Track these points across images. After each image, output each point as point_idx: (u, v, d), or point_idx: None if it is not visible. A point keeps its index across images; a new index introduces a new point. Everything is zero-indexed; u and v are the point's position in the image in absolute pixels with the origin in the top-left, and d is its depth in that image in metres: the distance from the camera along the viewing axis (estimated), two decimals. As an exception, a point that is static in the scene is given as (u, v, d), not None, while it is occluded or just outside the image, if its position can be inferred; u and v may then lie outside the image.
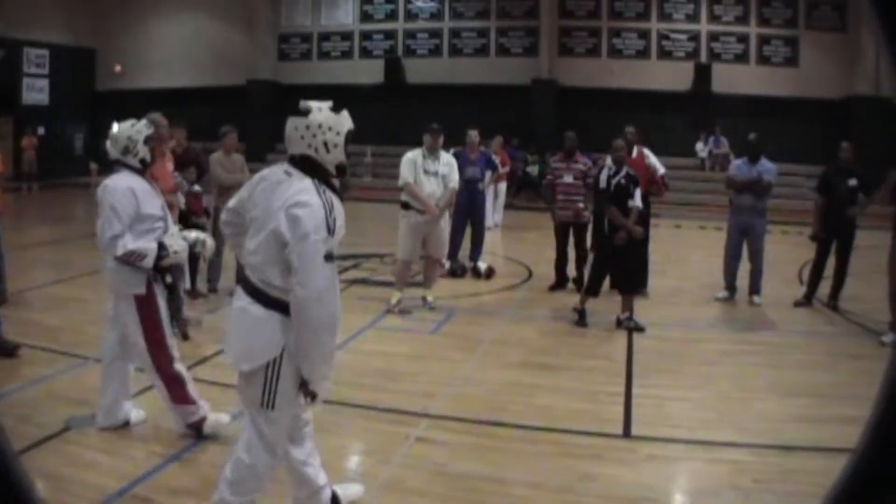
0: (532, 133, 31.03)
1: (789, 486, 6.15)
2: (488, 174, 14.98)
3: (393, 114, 31.70)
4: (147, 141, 6.61)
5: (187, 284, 10.94)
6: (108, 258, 6.47)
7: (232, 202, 5.11)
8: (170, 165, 9.77)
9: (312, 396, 4.61)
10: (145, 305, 6.50)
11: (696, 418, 7.44)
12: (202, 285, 11.85)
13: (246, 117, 27.91)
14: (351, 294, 12.36)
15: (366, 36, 35.09)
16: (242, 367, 4.59)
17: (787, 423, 7.39)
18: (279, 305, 4.47)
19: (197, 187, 11.53)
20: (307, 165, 4.67)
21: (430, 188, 11.19)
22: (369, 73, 34.10)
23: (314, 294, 4.26)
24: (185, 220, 11.03)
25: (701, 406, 7.80)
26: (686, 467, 6.56)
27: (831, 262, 12.47)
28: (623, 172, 11.03)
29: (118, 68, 36.54)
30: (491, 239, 15.15)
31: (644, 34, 32.78)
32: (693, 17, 32.67)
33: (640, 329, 10.71)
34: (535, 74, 32.50)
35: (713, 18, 32.58)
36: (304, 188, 4.48)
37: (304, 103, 4.78)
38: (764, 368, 9.05)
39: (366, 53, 35.10)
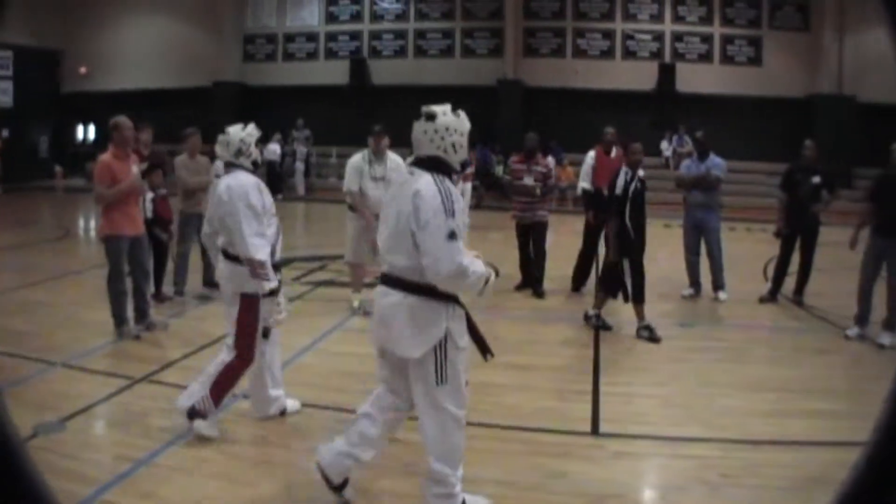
0: (498, 134, 31.08)
1: (757, 479, 6.22)
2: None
3: (358, 115, 31.59)
4: (257, 143, 7.08)
5: (152, 288, 10.93)
6: (221, 260, 6.84)
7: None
8: (134, 168, 9.70)
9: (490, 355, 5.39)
10: (250, 306, 6.80)
11: (664, 415, 7.51)
12: (168, 289, 11.81)
13: (212, 119, 27.76)
14: (317, 296, 12.40)
15: (331, 37, 35.01)
16: (413, 354, 5.07)
17: (753, 418, 7.49)
18: (435, 293, 5.02)
19: (163, 190, 11.49)
20: (433, 164, 5.13)
21: (376, 194, 11.03)
22: (335, 74, 34.03)
23: (443, 272, 4.85)
24: (150, 227, 10.99)
25: (668, 402, 7.88)
26: (654, 463, 6.62)
27: (796, 259, 12.60)
28: (640, 176, 10.80)
29: (83, 70, 36.21)
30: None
31: (608, 34, 32.95)
32: (657, 18, 32.88)
33: (607, 328, 10.77)
34: (500, 75, 32.60)
35: (677, 19, 32.81)
36: (424, 183, 4.99)
37: (428, 108, 5.21)
38: (730, 364, 9.12)
39: (331, 54, 35.01)
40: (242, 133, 7.05)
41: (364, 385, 7.88)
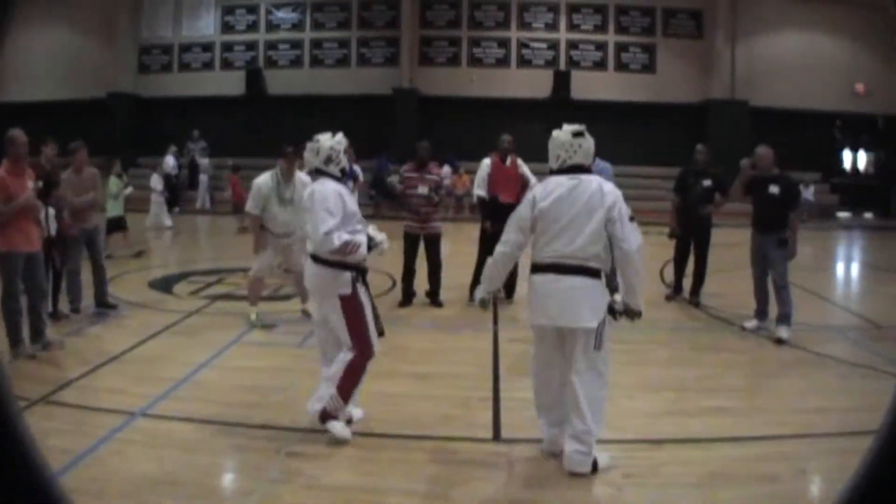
0: (394, 143, 30.98)
1: (659, 478, 6.32)
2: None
3: (254, 126, 31.54)
4: (345, 151, 7.39)
5: (49, 307, 10.71)
6: (309, 264, 7.06)
7: (522, 224, 6.54)
8: (30, 183, 9.45)
9: (639, 314, 6.72)
10: (350, 303, 6.96)
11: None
12: (64, 307, 11.58)
13: (108, 131, 27.35)
14: (215, 310, 12.26)
15: (227, 47, 34.78)
16: (592, 325, 6.22)
17: (654, 418, 7.61)
18: (598, 274, 6.32)
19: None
20: (582, 170, 6.41)
21: (284, 218, 11.10)
22: (230, 84, 33.80)
23: (634, 246, 6.26)
24: (52, 245, 10.76)
25: None
26: (557, 466, 6.60)
27: (692, 259, 12.91)
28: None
29: (-27, 83, 35.45)
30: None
31: (504, 43, 33.29)
32: (552, 26, 33.36)
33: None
34: (396, 84, 32.69)
35: (572, 27, 33.33)
36: (601, 182, 6.36)
37: (579, 127, 6.57)
38: (630, 366, 9.22)
39: (227, 65, 34.77)
40: (332, 141, 7.29)
41: (266, 399, 7.89)
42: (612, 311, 6.10)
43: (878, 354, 10.33)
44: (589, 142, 6.51)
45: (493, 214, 12.56)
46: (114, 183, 17.08)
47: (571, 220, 6.21)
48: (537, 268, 6.45)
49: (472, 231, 13.80)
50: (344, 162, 7.35)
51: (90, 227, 11.72)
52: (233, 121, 32.74)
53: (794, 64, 32.40)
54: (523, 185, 12.95)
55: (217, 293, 13.52)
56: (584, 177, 6.35)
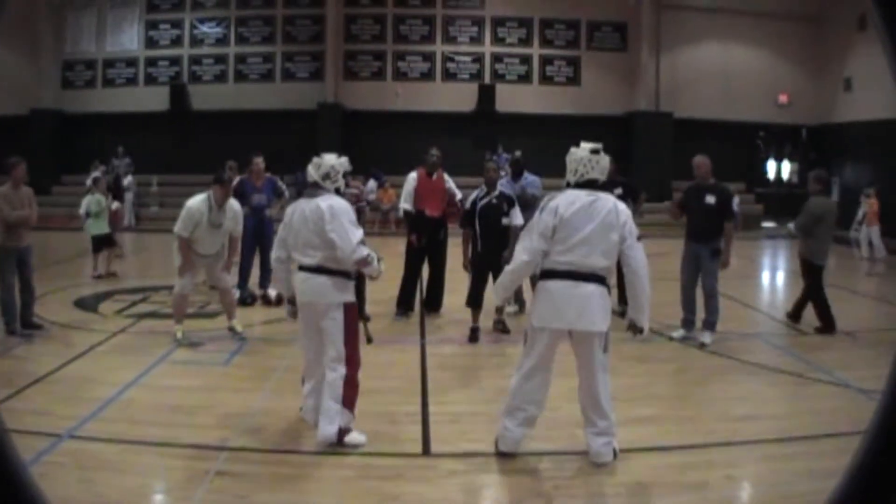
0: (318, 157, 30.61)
1: (590, 488, 6.46)
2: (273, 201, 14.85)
3: (179, 142, 31.32)
4: (345, 175, 7.86)
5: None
6: (307, 275, 7.37)
7: (545, 232, 6.87)
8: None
9: (642, 331, 7.24)
10: (350, 311, 7.45)
11: (494, 431, 7.49)
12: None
13: (29, 148, 26.94)
14: (141, 328, 12.18)
15: (151, 62, 34.26)
16: (603, 328, 6.93)
17: (581, 429, 7.63)
18: (606, 282, 6.97)
19: None
20: (596, 186, 7.03)
21: (212, 240, 11.22)
22: (154, 100, 33.28)
23: (643, 265, 6.95)
24: None
25: (497, 419, 7.86)
26: (487, 480, 6.73)
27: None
28: (495, 193, 11.84)
29: None
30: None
31: (429, 57, 33.33)
32: (477, 40, 33.45)
33: (506, 331, 11.83)
34: (321, 99, 32.54)
35: (497, 40, 33.46)
36: (614, 200, 7.02)
37: (597, 145, 7.22)
38: (557, 378, 9.30)
39: (151, 80, 34.24)
40: (335, 161, 7.74)
41: (193, 418, 7.88)
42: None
43: (804, 361, 10.62)
44: (605, 159, 7.13)
45: (420, 228, 12.69)
46: (96, 201, 17.05)
47: (589, 234, 6.76)
48: (553, 274, 6.88)
49: (398, 245, 13.89)
50: (341, 182, 7.73)
51: (23, 245, 11.59)
52: (158, 137, 32.38)
53: (717, 75, 32.87)
54: (449, 199, 13.09)
55: (143, 311, 13.41)
56: (602, 194, 6.95)
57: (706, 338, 11.32)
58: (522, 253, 7.00)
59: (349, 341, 7.34)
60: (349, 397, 7.31)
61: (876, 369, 10.14)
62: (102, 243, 17.14)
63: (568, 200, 6.84)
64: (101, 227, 17.25)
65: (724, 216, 11.54)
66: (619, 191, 13.06)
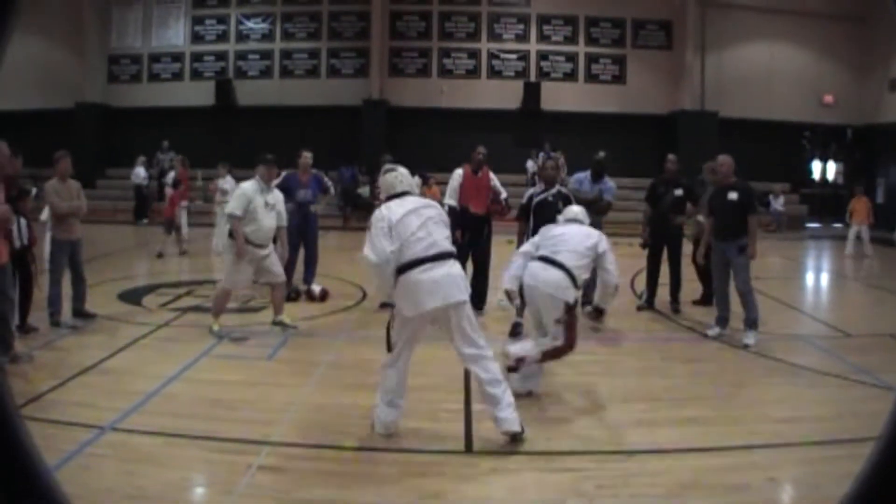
0: (363, 154, 30.87)
1: (632, 488, 6.35)
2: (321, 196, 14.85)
3: (224, 137, 31.43)
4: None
5: (17, 319, 10.59)
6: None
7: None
8: (1, 195, 9.25)
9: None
10: (571, 309, 8.63)
11: (537, 429, 7.50)
12: (34, 320, 11.44)
13: (75, 141, 27.08)
14: (185, 321, 12.21)
15: (196, 57, 34.65)
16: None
17: (625, 429, 7.67)
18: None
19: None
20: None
21: (268, 222, 11.23)
22: (200, 95, 33.67)
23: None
24: (21, 257, 10.62)
25: (540, 417, 7.93)
26: (529, 478, 6.63)
27: (665, 270, 13.06)
28: (553, 190, 11.82)
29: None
30: (324, 261, 15.10)
31: (474, 54, 33.37)
32: (523, 37, 33.47)
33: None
34: (365, 95, 32.71)
35: (542, 38, 33.46)
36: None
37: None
38: (602, 377, 9.27)
39: (196, 75, 34.64)
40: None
41: (235, 413, 7.87)
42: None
43: (847, 363, 10.44)
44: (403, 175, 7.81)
45: (464, 225, 12.64)
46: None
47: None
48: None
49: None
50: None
51: (74, 237, 11.64)
52: (202, 131, 32.56)
53: (762, 75, 32.71)
54: (494, 197, 13.05)
55: (187, 305, 13.46)
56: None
57: (749, 338, 11.16)
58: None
59: (571, 329, 8.59)
60: (545, 357, 8.58)
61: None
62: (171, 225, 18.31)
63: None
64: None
65: (747, 211, 11.49)
66: (679, 192, 13.02)
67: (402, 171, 7.80)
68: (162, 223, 20.83)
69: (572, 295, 8.44)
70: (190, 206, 21.87)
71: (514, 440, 7.09)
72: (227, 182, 19.40)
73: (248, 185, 11.24)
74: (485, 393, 7.16)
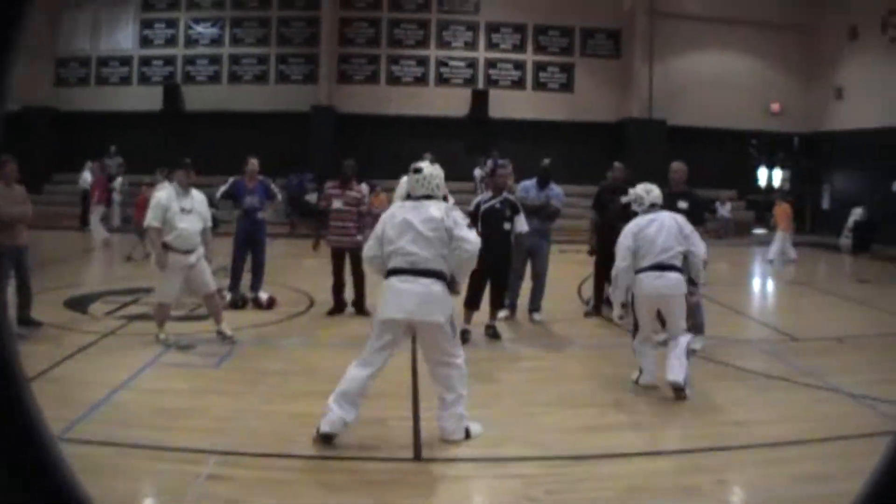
0: (311, 161, 30.84)
1: (581, 493, 6.45)
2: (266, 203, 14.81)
3: (172, 142, 31.13)
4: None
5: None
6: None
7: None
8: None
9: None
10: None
11: (485, 436, 7.61)
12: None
13: (21, 145, 26.81)
14: (132, 330, 12.14)
15: (145, 62, 34.39)
16: (440, 319, 7.32)
17: (574, 434, 7.77)
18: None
19: None
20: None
21: (188, 228, 11.02)
22: (148, 99, 33.34)
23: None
24: None
25: (488, 424, 7.94)
26: (479, 485, 6.79)
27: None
28: (500, 198, 11.99)
29: None
30: (272, 268, 15.10)
31: (422, 61, 33.48)
32: (471, 45, 33.63)
33: (497, 337, 11.90)
34: (314, 101, 32.68)
35: (491, 46, 33.64)
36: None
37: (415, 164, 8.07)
38: (547, 383, 9.35)
39: (145, 80, 34.36)
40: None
41: (183, 422, 7.86)
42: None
43: (794, 367, 10.68)
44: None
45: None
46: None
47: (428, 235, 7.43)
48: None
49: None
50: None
51: (20, 244, 11.52)
52: (150, 137, 32.24)
53: (710, 83, 33.07)
54: (445, 204, 13.14)
55: (133, 313, 13.37)
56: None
57: (697, 343, 11.32)
58: None
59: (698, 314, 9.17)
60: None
61: (865, 374, 10.33)
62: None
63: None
64: None
65: (695, 222, 11.69)
66: (625, 198, 13.12)
67: (429, 172, 7.86)
68: (134, 229, 20.78)
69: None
70: (106, 211, 21.89)
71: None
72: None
73: (163, 194, 11.14)
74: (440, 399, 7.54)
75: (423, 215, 7.44)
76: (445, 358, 7.47)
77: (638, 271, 9.31)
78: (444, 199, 8.01)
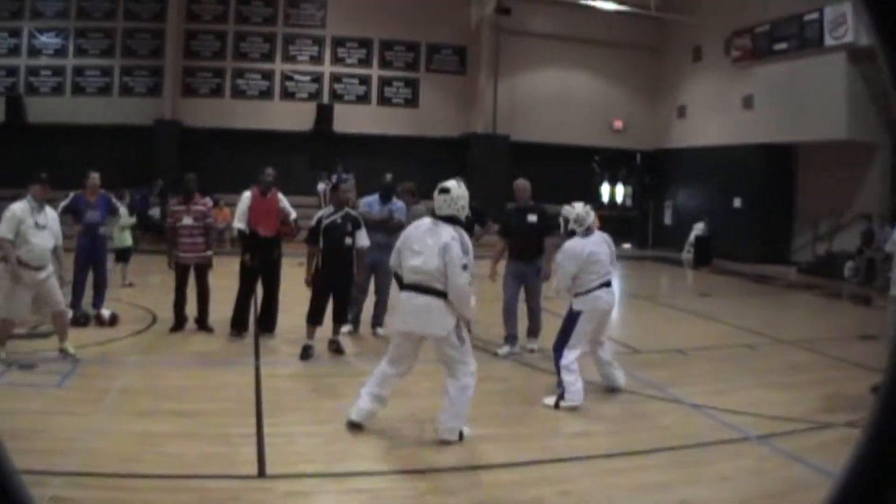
0: (155, 175, 30.13)
1: (424, 508, 6.59)
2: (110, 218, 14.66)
3: (15, 156, 30.38)
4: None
5: None
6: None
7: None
8: None
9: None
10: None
11: (329, 451, 7.77)
12: None
13: None
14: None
15: (-13, 71, 33.39)
16: (441, 332, 8.02)
17: (419, 448, 7.96)
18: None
19: None
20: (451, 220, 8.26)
21: (41, 242, 10.84)
22: (-11, 111, 32.32)
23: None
24: None
25: (332, 439, 8.14)
26: (324, 500, 6.87)
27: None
28: (342, 213, 12.08)
29: None
30: (114, 284, 14.97)
31: (268, 75, 33.41)
32: (317, 59, 33.66)
33: (341, 352, 12.08)
34: (158, 115, 32.32)
35: (337, 60, 33.75)
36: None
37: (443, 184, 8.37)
38: (396, 398, 9.23)
39: (-14, 90, 33.34)
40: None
41: (24, 443, 7.52)
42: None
43: (636, 378, 11.05)
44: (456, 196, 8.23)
45: (253, 248, 12.77)
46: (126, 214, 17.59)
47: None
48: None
49: (233, 265, 13.78)
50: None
51: None
52: (-9, 150, 31.46)
53: (555, 100, 33.99)
54: (283, 219, 13.22)
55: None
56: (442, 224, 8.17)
57: (534, 343, 11.99)
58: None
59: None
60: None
61: (706, 385, 10.79)
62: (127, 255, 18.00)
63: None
64: (125, 240, 17.93)
65: (545, 234, 12.16)
66: (533, 218, 13.39)
67: (456, 194, 8.28)
68: None
69: None
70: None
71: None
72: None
73: (18, 206, 10.87)
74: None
75: (436, 240, 8.03)
76: (452, 364, 8.12)
77: (590, 290, 9.91)
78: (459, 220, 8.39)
